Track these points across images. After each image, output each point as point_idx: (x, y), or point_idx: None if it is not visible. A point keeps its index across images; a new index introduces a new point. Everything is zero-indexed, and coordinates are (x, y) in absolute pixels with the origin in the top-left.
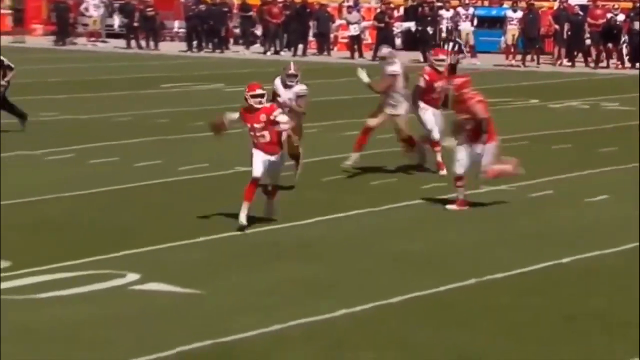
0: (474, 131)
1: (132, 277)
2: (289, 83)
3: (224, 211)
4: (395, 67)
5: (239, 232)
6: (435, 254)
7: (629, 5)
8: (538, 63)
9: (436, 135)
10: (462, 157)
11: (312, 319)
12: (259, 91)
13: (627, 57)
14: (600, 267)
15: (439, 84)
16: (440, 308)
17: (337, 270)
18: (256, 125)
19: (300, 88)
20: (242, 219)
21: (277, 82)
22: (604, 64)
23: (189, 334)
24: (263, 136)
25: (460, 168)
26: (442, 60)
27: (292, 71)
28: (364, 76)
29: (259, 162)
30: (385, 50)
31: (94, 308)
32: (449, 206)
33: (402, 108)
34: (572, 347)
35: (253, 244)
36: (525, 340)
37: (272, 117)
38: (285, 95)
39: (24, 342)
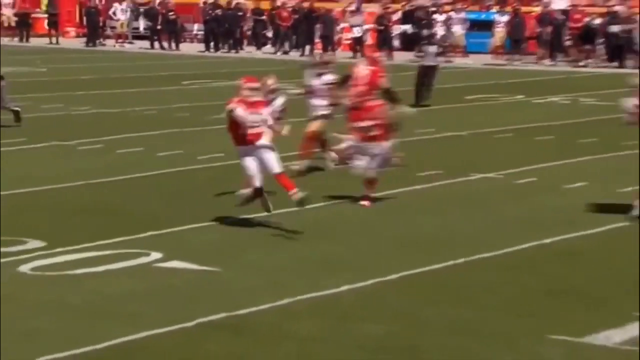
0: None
1: (155, 255)
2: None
3: None
4: (333, 75)
5: (252, 215)
6: (429, 235)
7: (604, 10)
8: (523, 62)
9: None
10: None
11: (319, 294)
12: (255, 85)
13: (604, 57)
14: (579, 247)
15: None
16: (434, 284)
17: (341, 249)
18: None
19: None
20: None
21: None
22: (583, 63)
23: (207, 307)
24: (260, 126)
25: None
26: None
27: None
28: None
29: (254, 168)
30: (330, 56)
31: (122, 283)
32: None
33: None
34: (554, 320)
35: (265, 226)
36: (512, 314)
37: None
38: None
39: (58, 315)
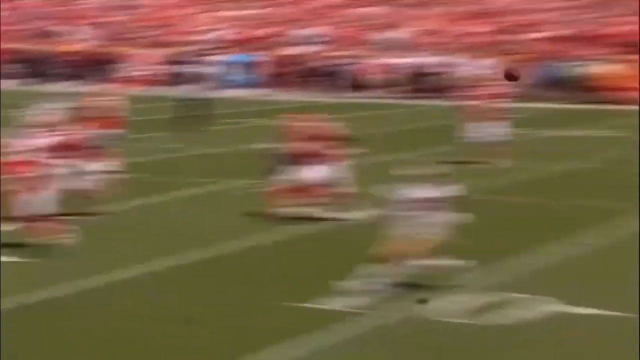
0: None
1: None
2: None
3: None
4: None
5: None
6: (187, 230)
7: (342, 53)
8: (276, 94)
9: None
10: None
11: (126, 277)
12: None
13: (342, 88)
14: (308, 237)
15: None
16: (202, 271)
17: (128, 243)
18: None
19: None
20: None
21: None
22: (323, 94)
23: (31, 291)
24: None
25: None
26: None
27: None
28: None
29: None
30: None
31: None
32: None
33: None
34: (283, 290)
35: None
36: (254, 288)
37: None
38: None
39: None
